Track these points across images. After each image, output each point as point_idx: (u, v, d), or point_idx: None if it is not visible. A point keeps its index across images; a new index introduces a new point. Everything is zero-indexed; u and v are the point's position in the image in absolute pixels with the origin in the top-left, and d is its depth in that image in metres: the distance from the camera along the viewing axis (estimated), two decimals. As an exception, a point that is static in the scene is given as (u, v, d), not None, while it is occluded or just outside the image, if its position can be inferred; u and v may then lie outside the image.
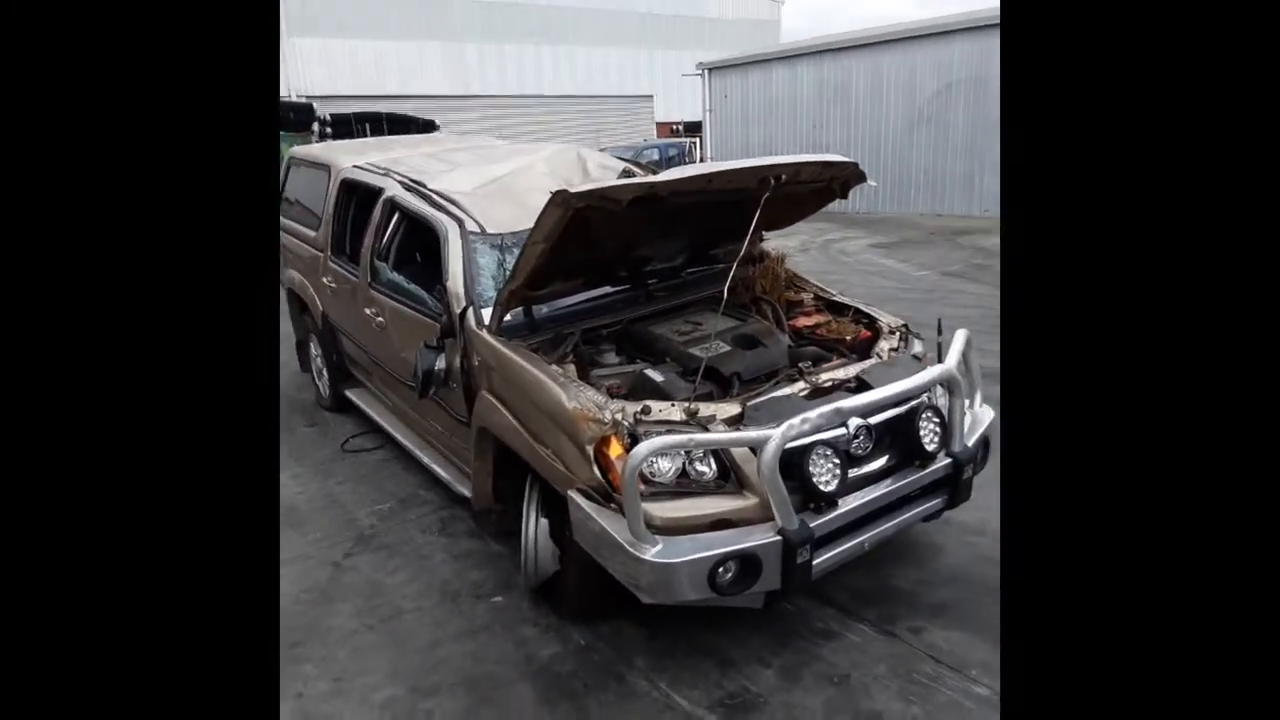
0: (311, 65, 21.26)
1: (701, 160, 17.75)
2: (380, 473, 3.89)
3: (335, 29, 21.57)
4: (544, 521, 2.61)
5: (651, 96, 27.75)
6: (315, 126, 18.21)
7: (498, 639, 2.59)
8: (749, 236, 2.58)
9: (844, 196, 3.03)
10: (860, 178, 2.91)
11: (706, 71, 16.47)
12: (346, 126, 18.50)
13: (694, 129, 20.54)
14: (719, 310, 2.85)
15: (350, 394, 4.38)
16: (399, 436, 3.73)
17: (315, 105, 18.65)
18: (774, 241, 3.75)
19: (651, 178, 2.37)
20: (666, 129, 27.66)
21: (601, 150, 18.26)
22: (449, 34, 23.57)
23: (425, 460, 3.47)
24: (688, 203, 2.61)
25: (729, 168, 2.42)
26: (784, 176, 2.54)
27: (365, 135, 17.35)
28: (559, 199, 2.29)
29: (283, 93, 19.94)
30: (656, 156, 16.59)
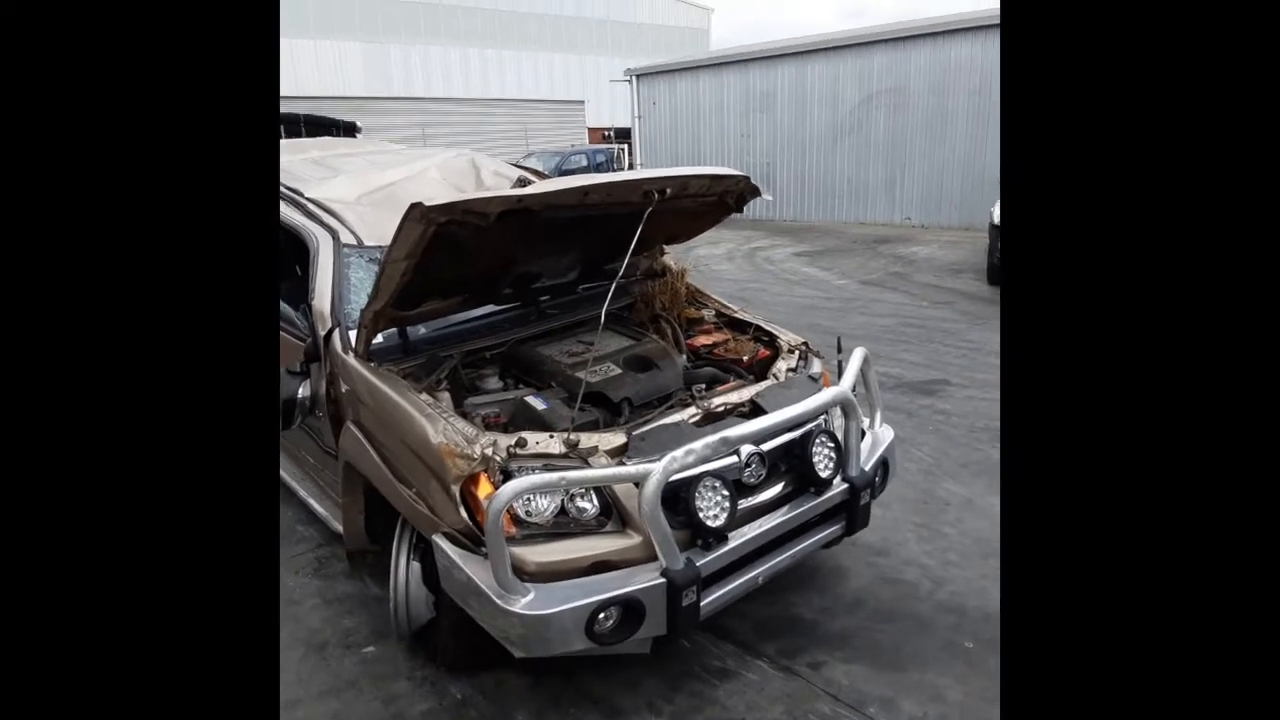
0: (224, 64, 20.33)
1: (630, 166, 17.65)
2: (257, 506, 3.57)
3: (249, 27, 20.67)
4: (415, 565, 2.38)
5: (583, 102, 27.59)
6: (228, 128, 17.41)
7: (364, 696, 2.35)
8: (628, 253, 2.42)
9: (739, 210, 2.90)
10: (754, 191, 2.79)
11: (635, 78, 16.41)
12: (262, 128, 17.74)
13: (625, 135, 20.45)
14: (598, 330, 2.67)
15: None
16: (275, 467, 3.43)
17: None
18: (704, 250, 3.61)
19: (520, 190, 2.18)
20: (598, 135, 27.54)
21: (529, 155, 17.81)
22: (370, 34, 22.90)
23: (301, 494, 3.18)
24: (572, 217, 2.43)
25: (605, 181, 2.25)
26: (668, 191, 2.39)
27: (280, 137, 16.63)
28: (416, 214, 2.07)
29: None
30: (584, 163, 16.39)
